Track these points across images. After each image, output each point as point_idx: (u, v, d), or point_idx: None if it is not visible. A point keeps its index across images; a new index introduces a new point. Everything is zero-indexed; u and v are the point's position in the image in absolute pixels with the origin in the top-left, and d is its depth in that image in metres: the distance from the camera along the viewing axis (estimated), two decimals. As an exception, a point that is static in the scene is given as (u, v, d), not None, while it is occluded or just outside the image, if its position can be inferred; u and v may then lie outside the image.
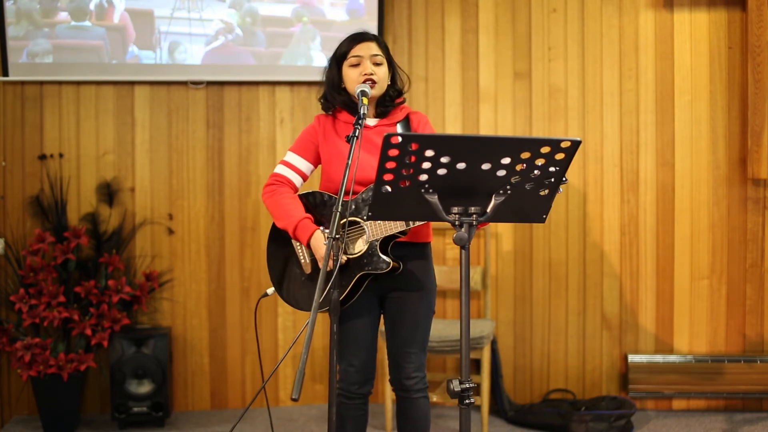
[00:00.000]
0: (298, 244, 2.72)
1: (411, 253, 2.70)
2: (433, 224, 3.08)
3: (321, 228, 2.64)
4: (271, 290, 2.75)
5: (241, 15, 4.25)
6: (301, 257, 2.72)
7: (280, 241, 2.77)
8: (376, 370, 2.79)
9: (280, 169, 2.77)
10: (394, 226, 2.55)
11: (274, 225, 2.77)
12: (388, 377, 2.86)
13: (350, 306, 2.67)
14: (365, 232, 2.60)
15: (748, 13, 4.07)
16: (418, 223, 2.58)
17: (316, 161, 2.79)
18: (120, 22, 4.19)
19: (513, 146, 1.97)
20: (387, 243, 2.61)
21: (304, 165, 2.77)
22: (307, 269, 2.70)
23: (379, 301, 2.75)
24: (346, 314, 2.68)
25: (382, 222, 2.56)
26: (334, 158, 2.71)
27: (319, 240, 2.60)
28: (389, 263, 2.58)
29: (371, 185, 2.60)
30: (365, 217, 2.59)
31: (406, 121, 2.76)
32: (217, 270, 4.37)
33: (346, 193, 2.37)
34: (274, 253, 2.80)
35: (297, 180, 2.77)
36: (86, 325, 3.95)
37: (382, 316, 2.79)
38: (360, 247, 2.61)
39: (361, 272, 2.60)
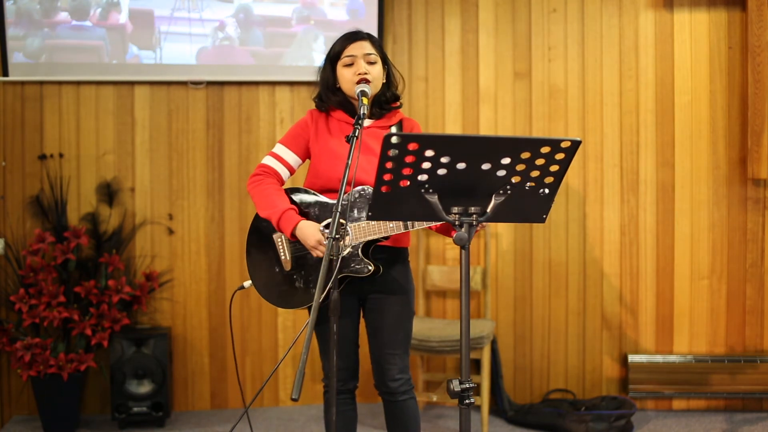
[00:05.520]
0: (279, 240, 2.71)
1: (391, 257, 2.70)
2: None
3: (320, 229, 2.64)
4: (248, 283, 2.74)
5: (241, 15, 4.24)
6: (282, 254, 2.71)
7: (260, 234, 2.77)
8: (359, 365, 2.79)
9: (268, 161, 2.77)
10: (378, 230, 2.55)
11: (255, 218, 2.78)
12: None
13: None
14: (348, 233, 2.60)
15: (748, 13, 4.07)
16: (417, 226, 2.57)
17: (305, 155, 2.78)
18: (120, 21, 4.19)
19: (513, 146, 1.97)
20: (368, 246, 2.61)
21: (293, 158, 2.77)
22: (287, 266, 2.70)
23: (359, 303, 2.76)
24: (327, 315, 2.68)
25: (366, 224, 2.56)
26: (323, 155, 2.70)
27: (306, 229, 2.58)
28: (370, 268, 2.58)
29: (357, 188, 2.61)
30: (349, 219, 2.60)
31: (399, 126, 2.77)
32: (217, 270, 4.37)
33: (344, 192, 2.37)
34: (254, 246, 2.79)
35: (284, 173, 2.77)
36: (86, 325, 3.95)
37: (362, 318, 2.80)
38: (342, 248, 2.61)
39: (341, 274, 2.59)
